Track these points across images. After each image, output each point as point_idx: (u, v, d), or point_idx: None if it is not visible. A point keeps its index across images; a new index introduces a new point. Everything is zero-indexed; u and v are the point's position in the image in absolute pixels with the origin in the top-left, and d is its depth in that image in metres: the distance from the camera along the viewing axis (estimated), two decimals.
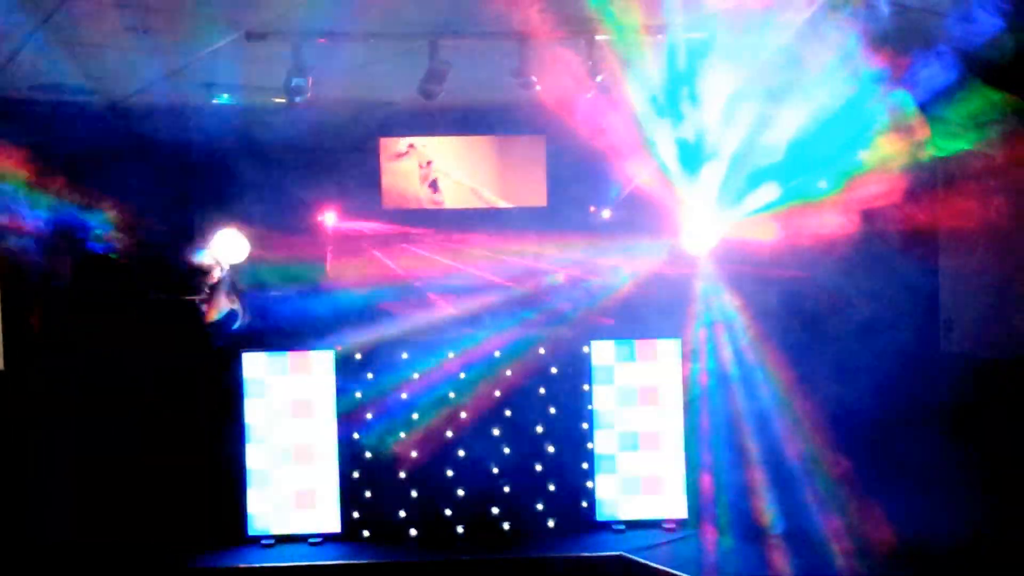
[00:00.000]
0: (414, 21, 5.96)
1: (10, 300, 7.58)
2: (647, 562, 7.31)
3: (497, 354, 8.09)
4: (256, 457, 7.93)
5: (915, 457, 6.94)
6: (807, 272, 7.63)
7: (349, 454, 7.99)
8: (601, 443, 8.13)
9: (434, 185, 8.21)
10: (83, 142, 7.24)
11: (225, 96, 7.12)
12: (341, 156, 8.13)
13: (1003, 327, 6.90)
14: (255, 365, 7.99)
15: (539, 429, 8.08)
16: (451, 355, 8.07)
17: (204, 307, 8.06)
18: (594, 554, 7.55)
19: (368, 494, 7.98)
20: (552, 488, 8.05)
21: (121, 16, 5.63)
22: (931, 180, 7.25)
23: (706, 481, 7.99)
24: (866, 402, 7.14)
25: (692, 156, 7.72)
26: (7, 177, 7.32)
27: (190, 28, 5.88)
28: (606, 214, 8.58)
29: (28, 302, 7.59)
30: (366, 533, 7.96)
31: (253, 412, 7.95)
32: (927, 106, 6.60)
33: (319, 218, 8.37)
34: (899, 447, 7.17)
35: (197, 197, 7.82)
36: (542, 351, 8.12)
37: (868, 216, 7.20)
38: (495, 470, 8.02)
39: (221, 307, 8.07)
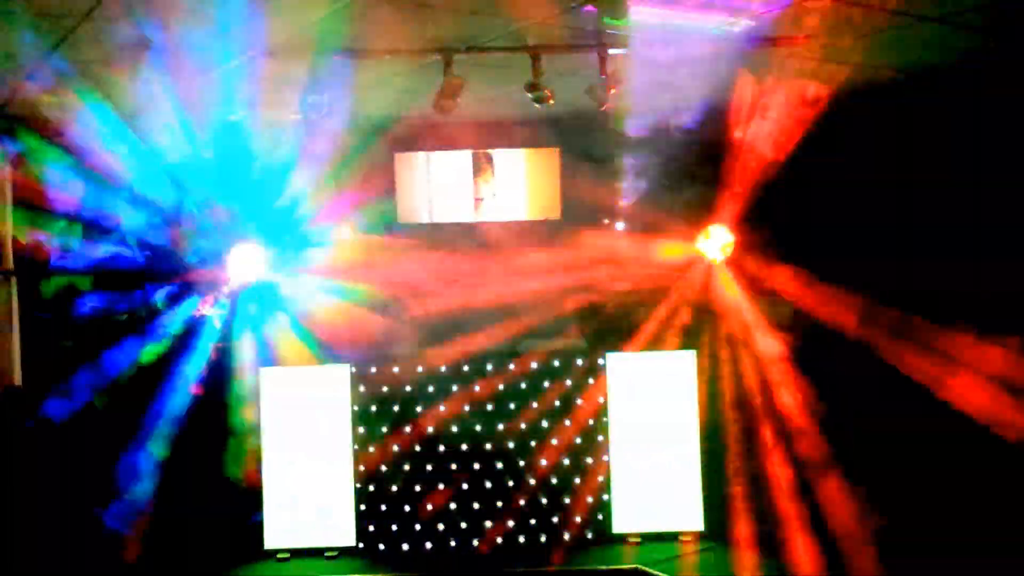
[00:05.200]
0: (429, 37, 5.98)
1: (29, 317, 7.63)
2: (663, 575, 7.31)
3: (512, 367, 8.11)
4: (272, 471, 7.96)
5: None
6: None
7: (365, 468, 8.00)
8: (617, 455, 8.12)
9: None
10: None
11: (241, 113, 7.15)
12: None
13: None
14: (272, 380, 8.03)
15: (555, 441, 8.08)
16: (466, 368, 8.09)
17: (214, 320, 8.09)
18: (610, 567, 7.54)
19: (384, 508, 7.99)
20: (568, 501, 8.04)
21: (137, 35, 5.65)
22: None
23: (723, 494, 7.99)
24: None
25: None
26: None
27: (205, 47, 5.91)
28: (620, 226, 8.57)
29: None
30: (382, 547, 7.97)
31: (270, 426, 7.98)
32: None
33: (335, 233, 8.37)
34: None
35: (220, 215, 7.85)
36: (557, 363, 8.12)
37: None
38: (510, 483, 8.03)
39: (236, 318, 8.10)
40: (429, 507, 7.99)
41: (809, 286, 7.56)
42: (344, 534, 7.96)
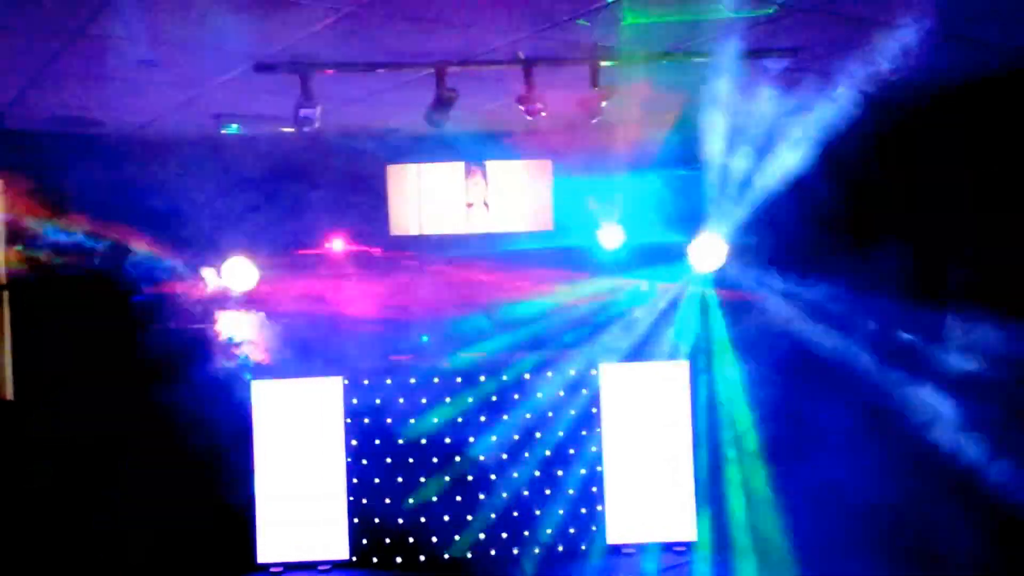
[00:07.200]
0: (421, 51, 6.02)
1: (21, 331, 7.61)
2: None
3: (505, 378, 8.11)
4: (265, 485, 7.94)
5: None
6: None
7: (358, 481, 7.99)
8: (610, 466, 8.13)
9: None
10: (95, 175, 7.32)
11: (234, 126, 7.17)
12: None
13: None
14: (264, 393, 8.02)
15: (547, 452, 8.09)
16: (459, 380, 8.09)
17: (212, 334, 8.08)
18: None
19: (377, 521, 7.98)
20: (562, 512, 8.04)
21: (131, 49, 5.67)
22: None
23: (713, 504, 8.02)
24: None
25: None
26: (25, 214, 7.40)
27: (199, 61, 5.93)
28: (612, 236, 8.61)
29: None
30: (375, 560, 7.95)
31: (262, 439, 7.97)
32: None
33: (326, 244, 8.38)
34: None
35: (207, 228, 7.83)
36: (550, 374, 8.14)
37: None
38: (504, 495, 8.03)
39: (227, 333, 8.09)
40: (423, 519, 7.98)
41: None
42: (338, 548, 7.94)
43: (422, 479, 8.00)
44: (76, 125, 7.26)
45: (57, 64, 5.88)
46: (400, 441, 8.02)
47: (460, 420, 8.06)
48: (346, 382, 8.06)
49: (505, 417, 8.08)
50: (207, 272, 8.05)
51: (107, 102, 6.72)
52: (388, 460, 8.03)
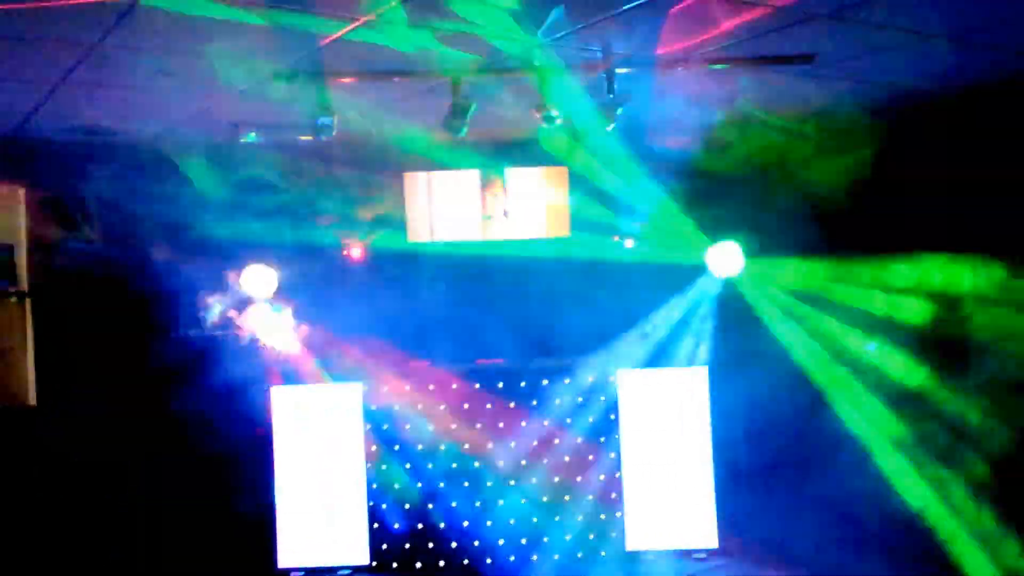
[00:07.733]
0: (437, 59, 6.02)
1: (44, 338, 7.68)
2: None
3: (523, 384, 8.11)
4: (285, 490, 7.98)
5: None
6: None
7: (377, 486, 8.02)
8: (629, 472, 8.10)
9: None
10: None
11: (252, 135, 7.21)
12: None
13: None
14: (284, 398, 8.05)
15: (566, 458, 8.07)
16: (477, 386, 8.10)
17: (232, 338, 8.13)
18: None
19: (396, 526, 8.00)
20: (581, 518, 8.03)
21: (147, 60, 5.71)
22: None
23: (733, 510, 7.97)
24: None
25: None
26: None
27: (216, 70, 5.96)
28: (629, 243, 8.58)
29: None
30: (395, 565, 7.97)
31: (281, 445, 8.00)
32: None
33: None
34: None
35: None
36: (568, 380, 8.12)
37: None
38: (523, 500, 8.02)
39: (247, 338, 8.14)
40: (442, 525, 7.99)
41: None
42: (357, 552, 7.97)
43: (440, 484, 8.00)
44: (94, 134, 7.32)
45: (75, 75, 5.93)
46: (419, 447, 8.03)
47: (479, 426, 8.07)
48: (365, 388, 8.08)
49: (524, 423, 8.07)
50: (228, 278, 8.09)
51: (124, 112, 6.77)
52: (407, 465, 8.04)
